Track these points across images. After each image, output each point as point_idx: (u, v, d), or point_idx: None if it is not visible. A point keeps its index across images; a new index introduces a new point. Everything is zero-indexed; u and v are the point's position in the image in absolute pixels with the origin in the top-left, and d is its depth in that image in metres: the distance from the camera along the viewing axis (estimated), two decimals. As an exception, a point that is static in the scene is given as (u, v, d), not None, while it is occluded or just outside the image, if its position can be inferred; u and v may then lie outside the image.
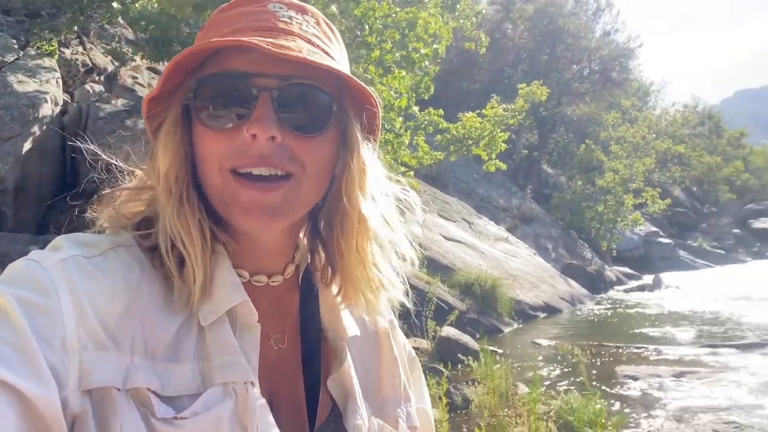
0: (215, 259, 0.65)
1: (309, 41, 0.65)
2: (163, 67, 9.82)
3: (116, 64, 10.15)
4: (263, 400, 0.62)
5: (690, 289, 16.18)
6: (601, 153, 22.24)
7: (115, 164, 0.72)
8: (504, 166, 11.96)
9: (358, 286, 0.71)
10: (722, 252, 27.52)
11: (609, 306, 13.09)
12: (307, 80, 0.63)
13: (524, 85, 11.57)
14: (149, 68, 10.72)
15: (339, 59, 0.69)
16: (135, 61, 10.01)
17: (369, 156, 0.70)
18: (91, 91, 9.12)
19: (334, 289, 0.75)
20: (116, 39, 10.70)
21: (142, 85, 10.29)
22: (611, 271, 17.81)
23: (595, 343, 8.59)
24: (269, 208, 0.62)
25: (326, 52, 0.66)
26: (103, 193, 0.70)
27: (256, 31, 0.64)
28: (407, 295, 0.75)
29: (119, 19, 9.07)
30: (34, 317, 0.53)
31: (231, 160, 0.63)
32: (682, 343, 8.94)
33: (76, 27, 9.00)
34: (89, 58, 9.82)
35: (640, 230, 23.01)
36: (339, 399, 0.71)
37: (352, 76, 0.64)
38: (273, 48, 0.59)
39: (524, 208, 19.11)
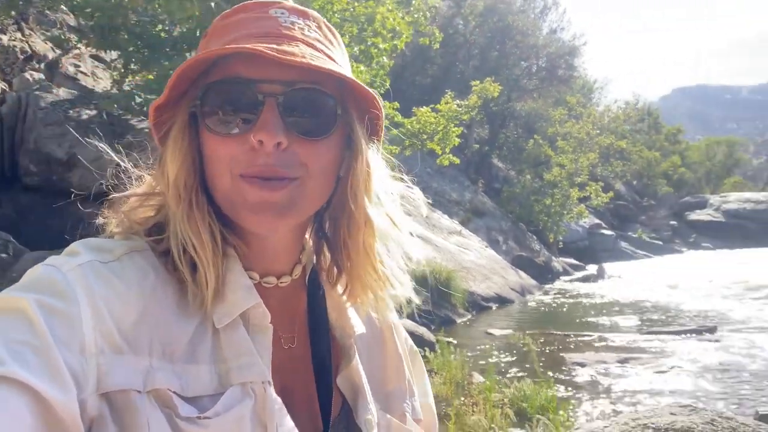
0: (227, 262, 0.67)
1: (312, 46, 0.66)
2: (109, 55, 9.44)
3: (57, 51, 9.68)
4: (279, 400, 0.63)
5: (631, 279, 16.99)
6: (548, 148, 22.94)
7: (124, 168, 0.72)
8: (457, 161, 12.18)
9: (366, 285, 0.73)
10: (660, 243, 28.99)
11: (556, 296, 13.57)
12: (312, 85, 0.64)
13: (478, 81, 11.84)
14: (93, 56, 10.29)
15: (341, 62, 0.70)
16: (78, 48, 9.58)
17: (373, 157, 0.71)
18: (30, 79, 8.68)
19: (340, 288, 0.77)
20: (58, 25, 10.20)
21: (85, 74, 9.85)
22: (558, 262, 18.46)
23: (545, 332, 8.92)
24: (277, 206, 0.64)
25: (329, 56, 0.68)
26: (111, 198, 0.71)
27: (259, 38, 0.65)
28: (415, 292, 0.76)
29: (61, 5, 8.66)
30: (54, 321, 0.54)
31: (239, 165, 0.64)
32: (625, 331, 9.40)
33: (13, 12, 8.53)
34: (28, 44, 9.34)
35: (585, 223, 23.93)
36: (349, 395, 0.73)
37: (354, 79, 0.66)
38: (277, 54, 0.60)
39: (476, 202, 19.50)
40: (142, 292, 0.61)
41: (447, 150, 11.76)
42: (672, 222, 34.49)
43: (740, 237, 32.11)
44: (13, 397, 0.49)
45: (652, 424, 2.13)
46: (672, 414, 2.20)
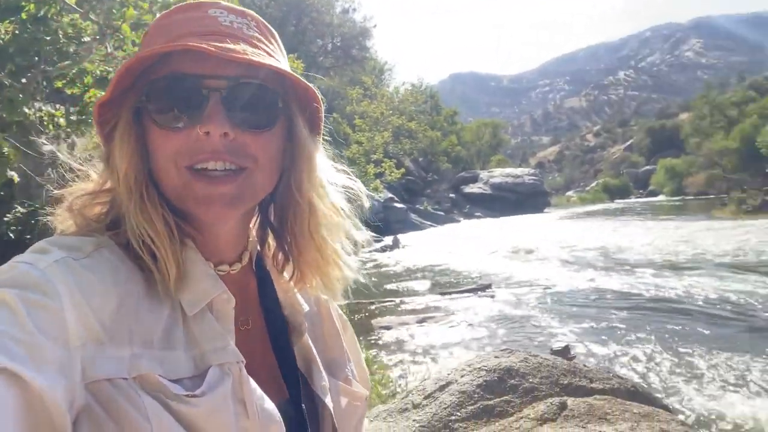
0: (186, 252, 0.69)
1: (252, 43, 0.69)
2: None
3: None
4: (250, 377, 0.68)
5: (421, 247, 18.94)
6: (347, 126, 23.91)
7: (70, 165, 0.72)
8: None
9: (314, 270, 0.78)
10: (442, 213, 32.69)
11: (360, 266, 14.46)
12: (254, 80, 0.67)
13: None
14: None
15: (280, 59, 0.73)
16: None
17: (314, 148, 0.76)
18: None
19: (287, 274, 0.81)
20: None
21: None
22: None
23: (354, 301, 9.52)
24: (226, 197, 0.66)
25: (268, 53, 0.70)
26: (55, 197, 0.70)
27: (202, 36, 0.66)
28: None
29: None
30: (37, 314, 0.55)
31: (186, 157, 0.66)
32: (420, 294, 10.53)
33: None
34: None
35: (381, 197, 25.71)
36: (303, 366, 0.80)
37: (294, 74, 0.69)
38: (221, 51, 0.63)
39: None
40: (116, 285, 0.62)
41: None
42: (451, 195, 39.08)
43: (503, 206, 37.86)
44: (1, 385, 0.49)
45: (485, 366, 2.59)
46: (496, 357, 2.69)
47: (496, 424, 2.27)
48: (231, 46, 0.65)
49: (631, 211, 38.25)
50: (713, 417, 3.86)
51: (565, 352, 4.61)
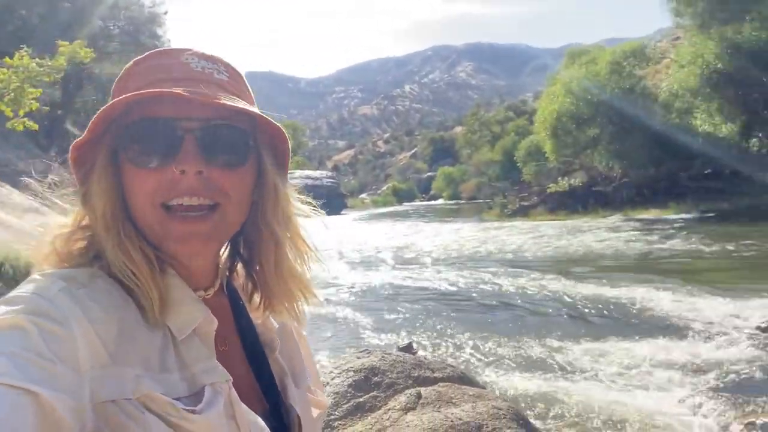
0: (168, 280, 0.73)
1: (223, 87, 0.74)
2: None
3: None
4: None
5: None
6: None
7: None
8: (35, 126, 10.44)
9: (281, 298, 0.84)
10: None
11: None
12: (226, 121, 0.72)
13: (67, 42, 10.33)
14: None
15: (248, 99, 0.78)
16: None
17: (281, 183, 0.81)
18: None
19: (256, 300, 0.87)
20: None
21: None
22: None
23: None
24: (201, 235, 0.71)
25: (237, 95, 0.75)
26: (37, 236, 0.73)
27: (176, 81, 0.71)
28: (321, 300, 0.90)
29: None
30: (50, 340, 0.58)
31: (162, 194, 0.70)
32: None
33: None
34: None
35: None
36: (277, 380, 0.86)
37: (263, 114, 0.75)
38: (195, 96, 0.68)
39: (52, 172, 17.01)
40: (115, 312, 0.66)
41: (21, 114, 9.95)
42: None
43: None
44: (15, 402, 0.53)
45: (351, 367, 2.77)
46: (358, 358, 2.88)
47: (369, 417, 2.48)
48: (205, 90, 0.70)
49: (417, 213, 42.17)
50: (521, 391, 4.55)
51: (409, 348, 5.01)
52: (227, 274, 0.88)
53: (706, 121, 24.89)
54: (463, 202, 59.74)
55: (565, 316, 7.23)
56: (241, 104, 0.72)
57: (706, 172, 23.58)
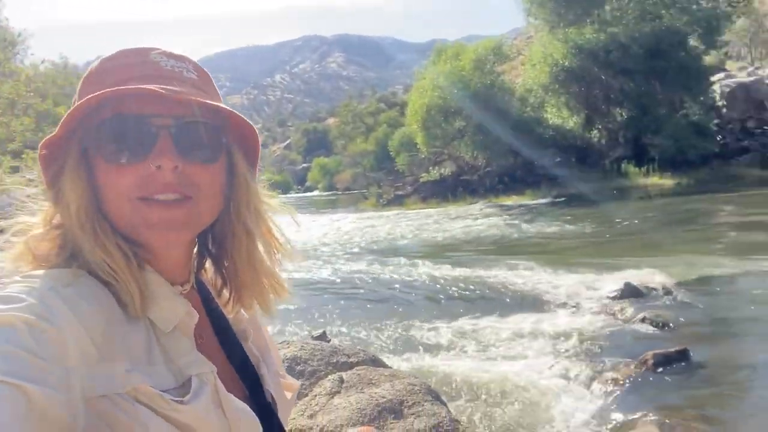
0: (147, 275, 0.75)
1: (194, 85, 0.77)
2: None
3: None
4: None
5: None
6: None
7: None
8: None
9: (252, 291, 0.86)
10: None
11: None
12: (198, 118, 0.75)
13: None
14: None
15: (216, 98, 0.81)
16: None
17: (251, 179, 0.84)
18: None
19: (225, 295, 0.89)
20: None
21: None
22: None
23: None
24: (177, 222, 0.73)
25: (208, 93, 0.79)
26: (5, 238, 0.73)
27: (147, 79, 0.73)
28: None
29: None
30: (40, 337, 0.59)
31: (139, 190, 0.71)
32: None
33: None
34: None
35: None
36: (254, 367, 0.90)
37: (234, 111, 0.77)
38: (171, 93, 0.71)
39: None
40: (101, 308, 0.68)
41: None
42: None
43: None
44: (3, 396, 0.53)
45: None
46: (280, 349, 2.85)
47: (299, 405, 2.54)
48: (177, 88, 0.72)
49: (296, 205, 41.44)
50: (417, 368, 4.74)
51: (323, 336, 5.02)
52: (196, 270, 0.90)
53: (555, 115, 27.54)
54: (339, 192, 60.21)
55: (443, 298, 7.67)
56: (212, 101, 0.75)
57: (556, 160, 26.06)
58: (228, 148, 0.80)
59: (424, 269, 9.76)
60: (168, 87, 0.71)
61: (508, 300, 7.11)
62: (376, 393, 2.49)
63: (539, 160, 25.90)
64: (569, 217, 15.66)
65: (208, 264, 0.92)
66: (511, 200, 23.14)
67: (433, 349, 5.35)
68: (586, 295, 6.68)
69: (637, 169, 22.98)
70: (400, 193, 30.02)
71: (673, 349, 4.47)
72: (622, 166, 23.48)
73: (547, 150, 26.20)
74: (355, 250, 13.38)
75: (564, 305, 6.44)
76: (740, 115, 26.36)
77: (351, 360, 2.90)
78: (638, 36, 23.88)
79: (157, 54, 0.78)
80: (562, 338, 5.23)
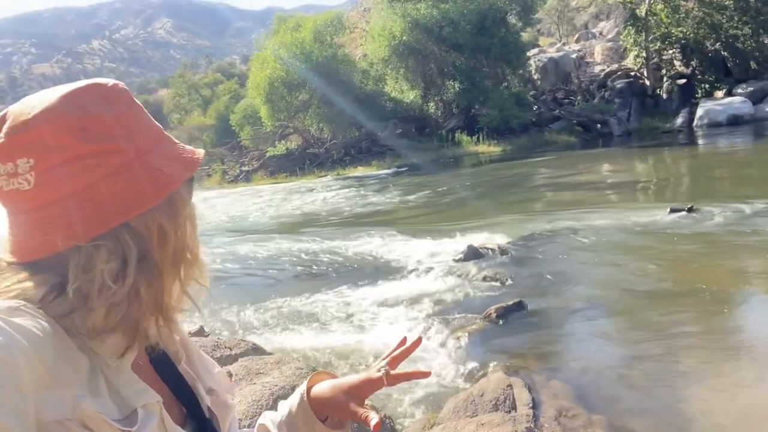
0: None
1: None
2: None
3: None
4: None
5: None
6: None
7: None
8: None
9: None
10: None
11: None
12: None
13: None
14: None
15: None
16: None
17: None
18: None
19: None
20: None
21: None
22: None
23: None
24: None
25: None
26: None
27: None
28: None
29: None
30: None
31: None
32: None
33: None
34: None
35: None
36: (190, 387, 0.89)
37: None
38: None
39: None
40: (47, 336, 0.65)
41: None
42: None
43: None
44: None
45: None
46: None
47: None
48: None
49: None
50: (294, 347, 4.74)
51: (201, 331, 4.70)
52: None
53: (395, 88, 28.57)
54: (177, 170, 56.23)
55: (304, 274, 7.76)
56: None
57: (397, 131, 27.21)
58: None
59: (282, 245, 9.73)
60: None
61: (365, 270, 7.41)
62: (267, 382, 2.49)
63: (382, 132, 26.81)
64: (413, 186, 16.57)
65: None
66: (358, 171, 23.75)
67: (306, 326, 5.43)
68: (434, 260, 7.22)
69: (469, 138, 24.92)
70: (246, 168, 29.14)
71: (511, 302, 5.07)
72: (456, 135, 25.28)
73: (388, 122, 27.19)
74: (208, 230, 12.83)
75: (416, 270, 6.89)
76: (551, 86, 29.78)
77: (234, 352, 2.86)
78: (467, 13, 25.56)
79: None
80: (418, 302, 5.64)
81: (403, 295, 5.91)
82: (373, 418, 0.85)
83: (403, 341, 1.00)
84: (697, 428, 3.11)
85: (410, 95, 28.12)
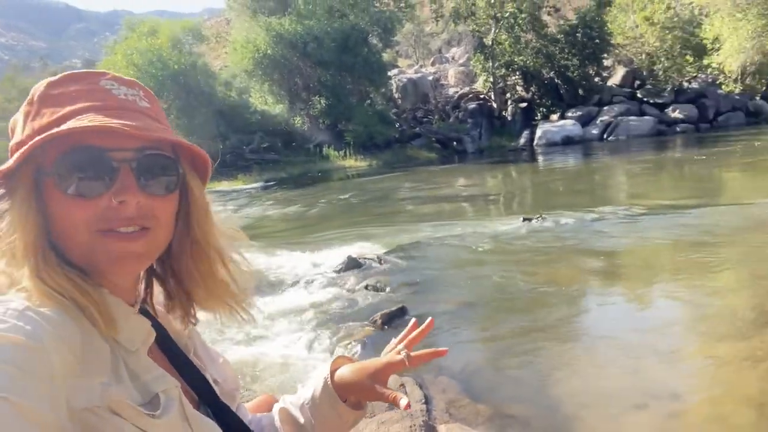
0: (106, 298, 0.75)
1: (148, 115, 0.78)
2: None
3: None
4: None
5: None
6: None
7: None
8: None
9: (208, 305, 0.90)
10: None
11: None
12: (157, 150, 0.77)
13: None
14: None
15: (164, 122, 0.83)
16: None
17: (206, 201, 0.88)
18: None
19: (177, 312, 0.91)
20: None
21: None
22: None
23: None
24: (136, 255, 0.75)
25: (159, 121, 0.81)
26: None
27: (98, 110, 0.73)
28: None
29: None
30: (25, 356, 0.60)
31: (99, 223, 0.72)
32: None
33: None
34: None
35: None
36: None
37: (184, 141, 0.80)
38: (130, 129, 0.72)
39: None
40: (74, 327, 0.68)
41: None
42: None
43: None
44: (4, 414, 0.55)
45: None
46: None
47: None
48: (132, 122, 0.74)
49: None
50: None
51: None
52: (145, 289, 0.92)
53: (260, 101, 28.12)
54: None
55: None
56: (169, 134, 0.79)
57: (263, 145, 26.77)
58: (183, 176, 0.84)
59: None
60: (128, 123, 0.73)
61: (243, 285, 7.22)
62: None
63: (248, 145, 26.17)
64: (283, 200, 16.43)
65: (155, 284, 0.94)
66: (223, 186, 22.90)
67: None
68: (315, 272, 7.27)
69: (336, 152, 25.31)
70: (94, 182, 26.67)
71: (395, 308, 5.31)
72: (324, 150, 25.54)
73: (254, 135, 26.64)
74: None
75: (297, 283, 6.89)
76: (411, 105, 31.39)
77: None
78: (330, 31, 26.04)
79: (107, 81, 0.78)
80: (303, 313, 5.65)
81: (287, 308, 5.89)
82: (403, 399, 0.93)
83: (415, 325, 1.11)
84: (565, 408, 3.54)
85: (277, 108, 27.87)
